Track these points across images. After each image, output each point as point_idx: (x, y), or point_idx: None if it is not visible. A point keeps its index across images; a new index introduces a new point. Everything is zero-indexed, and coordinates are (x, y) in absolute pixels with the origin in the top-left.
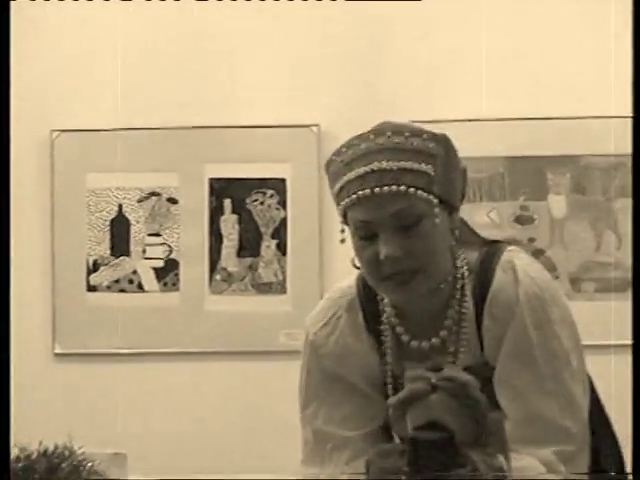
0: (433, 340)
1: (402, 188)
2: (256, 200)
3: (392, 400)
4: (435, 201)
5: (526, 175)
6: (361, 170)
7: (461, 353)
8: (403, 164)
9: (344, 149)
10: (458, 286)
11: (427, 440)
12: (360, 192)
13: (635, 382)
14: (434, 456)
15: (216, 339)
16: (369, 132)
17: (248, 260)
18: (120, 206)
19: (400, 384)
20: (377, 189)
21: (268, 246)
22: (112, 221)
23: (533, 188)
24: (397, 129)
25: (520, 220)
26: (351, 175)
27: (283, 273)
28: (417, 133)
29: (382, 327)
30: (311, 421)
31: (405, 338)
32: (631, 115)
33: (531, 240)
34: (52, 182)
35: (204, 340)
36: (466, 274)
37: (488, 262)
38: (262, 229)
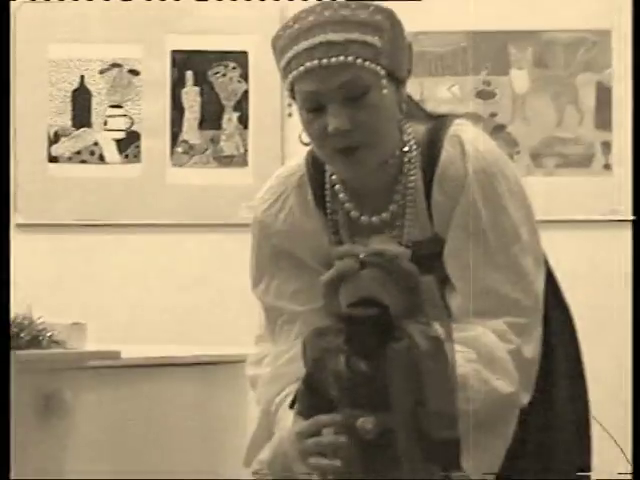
0: (383, 215)
1: (349, 59)
2: (218, 72)
3: (323, 278)
4: (382, 72)
5: (488, 50)
6: (308, 42)
7: (410, 227)
8: (350, 36)
9: (290, 23)
10: (406, 160)
11: (361, 316)
12: (308, 63)
13: (635, 382)
14: (370, 331)
15: (177, 211)
16: (315, 5)
17: (210, 133)
18: (82, 77)
19: None
20: (324, 60)
21: (230, 119)
22: (74, 92)
23: (495, 63)
24: (343, 2)
25: (482, 95)
26: (298, 48)
27: (244, 146)
28: (363, 6)
29: (331, 204)
30: (263, 297)
31: (355, 214)
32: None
33: (493, 115)
34: (14, 52)
35: (165, 212)
36: (414, 147)
37: (436, 136)
38: (224, 102)
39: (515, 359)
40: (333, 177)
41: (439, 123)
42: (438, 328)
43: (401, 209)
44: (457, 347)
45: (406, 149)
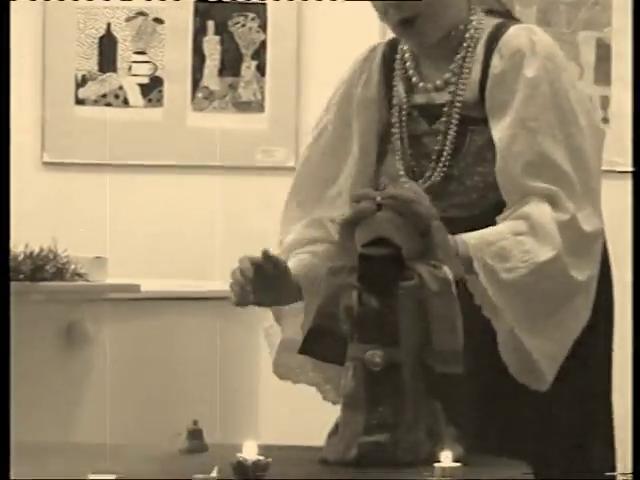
0: (437, 82)
1: None
2: (238, 22)
3: (340, 219)
4: None
5: None
6: None
7: (461, 91)
8: None
9: None
10: (468, 35)
11: (375, 255)
12: None
13: (635, 382)
14: (382, 270)
15: (197, 154)
16: None
17: (229, 79)
18: (108, 25)
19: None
20: None
21: (248, 67)
22: (100, 39)
23: None
24: None
25: None
26: None
27: (262, 93)
28: None
29: (396, 72)
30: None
31: (416, 80)
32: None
33: None
34: (44, 1)
35: (185, 154)
36: (480, 25)
37: (504, 24)
38: (243, 50)
39: (569, 228)
40: (405, 49)
41: (512, 21)
42: (447, 270)
43: (456, 77)
44: (509, 221)
45: (473, 24)
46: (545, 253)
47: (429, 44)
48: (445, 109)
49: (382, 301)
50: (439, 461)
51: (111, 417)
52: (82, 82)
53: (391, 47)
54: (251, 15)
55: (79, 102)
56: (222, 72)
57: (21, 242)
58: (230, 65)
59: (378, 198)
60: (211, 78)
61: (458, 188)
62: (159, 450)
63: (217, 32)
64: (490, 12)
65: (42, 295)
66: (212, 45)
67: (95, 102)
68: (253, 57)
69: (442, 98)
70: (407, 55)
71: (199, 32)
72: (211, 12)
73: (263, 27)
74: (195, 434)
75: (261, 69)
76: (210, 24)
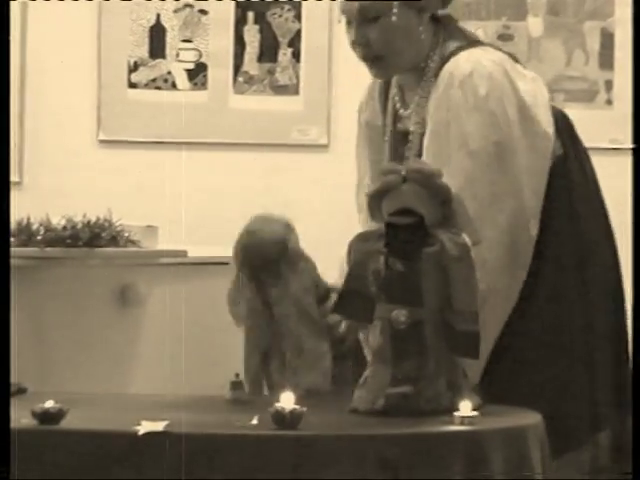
0: (408, 111)
1: None
2: (275, 13)
3: (369, 191)
4: (395, 4)
5: None
6: None
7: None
8: None
9: None
10: (427, 69)
11: (400, 224)
12: None
13: (635, 382)
14: (407, 237)
15: (238, 132)
16: None
17: (267, 65)
18: (158, 15)
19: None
20: None
21: (284, 53)
22: (151, 28)
23: (514, 10)
24: None
25: (502, 38)
26: None
27: (297, 77)
28: None
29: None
30: None
31: (398, 107)
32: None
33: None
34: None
35: (227, 133)
36: (436, 60)
37: (451, 54)
38: (280, 39)
39: None
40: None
41: (464, 46)
42: (465, 237)
43: (423, 102)
44: None
45: (431, 62)
46: None
47: (394, 76)
48: (410, 137)
49: (407, 265)
50: (459, 410)
51: (161, 371)
52: (134, 67)
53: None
54: (287, 6)
55: (132, 86)
56: (261, 58)
57: (79, 212)
58: (268, 52)
59: (403, 172)
60: (251, 64)
61: None
62: (205, 400)
63: (256, 22)
64: (453, 42)
65: (98, 260)
66: (252, 34)
67: (146, 85)
68: (289, 45)
69: (411, 126)
70: (394, 82)
71: (240, 22)
72: (251, 4)
73: (298, 17)
74: (237, 386)
75: (296, 55)
76: (250, 15)
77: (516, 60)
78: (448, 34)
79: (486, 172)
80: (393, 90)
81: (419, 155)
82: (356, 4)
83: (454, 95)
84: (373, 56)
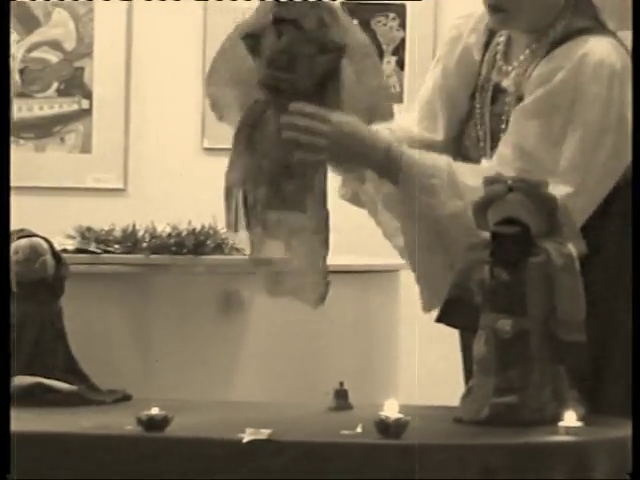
0: (514, 64)
1: None
2: (380, 21)
3: (474, 201)
4: None
5: None
6: None
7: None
8: None
9: None
10: (550, 34)
11: (506, 233)
12: None
13: (635, 382)
14: (512, 247)
15: None
16: None
17: None
18: None
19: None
20: None
21: (388, 62)
22: None
23: None
24: None
25: None
26: None
27: (401, 85)
28: None
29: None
30: None
31: (499, 56)
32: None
33: None
34: (205, 2)
35: None
36: (560, 31)
37: (575, 34)
38: (384, 47)
39: None
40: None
41: (592, 29)
42: (571, 247)
43: (530, 65)
44: None
45: (552, 29)
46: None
47: (511, 29)
48: (507, 98)
49: (512, 275)
50: (563, 420)
51: (264, 377)
52: None
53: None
54: (392, 15)
55: None
56: None
57: (184, 220)
58: None
59: (509, 181)
60: None
61: None
62: (309, 408)
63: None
64: (581, 18)
65: (203, 268)
66: None
67: None
68: (393, 53)
69: (507, 83)
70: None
71: None
72: (356, 12)
73: (402, 26)
74: (341, 394)
75: (400, 64)
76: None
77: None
78: (577, 6)
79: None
80: (499, 39)
81: (507, 118)
82: None
83: (585, 76)
84: (500, 6)
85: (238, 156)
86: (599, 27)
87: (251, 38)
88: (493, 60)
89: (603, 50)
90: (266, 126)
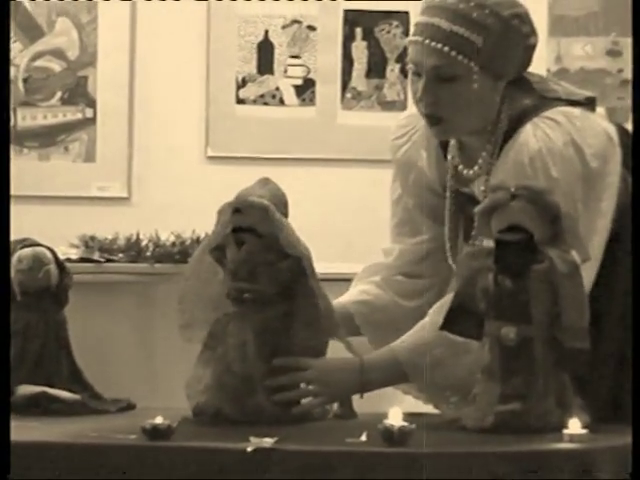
0: (470, 172)
1: (445, 49)
2: (383, 29)
3: (478, 208)
4: (475, 69)
5: (617, 14)
6: (423, 18)
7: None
8: (456, 28)
9: None
10: (498, 131)
11: (510, 241)
12: (413, 37)
13: (635, 382)
14: (516, 254)
15: (346, 149)
16: None
17: (375, 81)
18: (266, 31)
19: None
20: (426, 41)
21: (392, 69)
22: (259, 44)
23: (622, 26)
24: None
25: (611, 53)
26: (418, 20)
27: (404, 93)
28: (481, 7)
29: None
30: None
31: (457, 164)
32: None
33: (619, 71)
34: (208, 10)
35: (335, 149)
36: (504, 122)
37: (525, 117)
38: (387, 55)
39: None
40: None
41: (533, 107)
42: (575, 254)
43: (488, 166)
44: None
45: (500, 124)
46: None
47: (454, 137)
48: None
49: (516, 282)
50: (568, 427)
51: None
52: (242, 83)
53: None
54: (395, 22)
55: (239, 102)
56: (369, 74)
57: (188, 228)
58: (376, 68)
59: (512, 189)
60: (359, 80)
61: None
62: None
63: (364, 38)
64: (522, 101)
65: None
66: (360, 50)
67: (254, 102)
68: (397, 60)
69: (473, 187)
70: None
71: (348, 38)
72: (359, 20)
73: (406, 33)
74: (345, 402)
75: (404, 71)
76: (358, 31)
77: (591, 102)
78: (516, 89)
79: None
80: (452, 145)
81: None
82: (432, 60)
83: (524, 171)
84: (439, 116)
85: (203, 369)
86: (541, 100)
87: (217, 250)
88: (453, 169)
89: (538, 139)
90: (228, 338)
